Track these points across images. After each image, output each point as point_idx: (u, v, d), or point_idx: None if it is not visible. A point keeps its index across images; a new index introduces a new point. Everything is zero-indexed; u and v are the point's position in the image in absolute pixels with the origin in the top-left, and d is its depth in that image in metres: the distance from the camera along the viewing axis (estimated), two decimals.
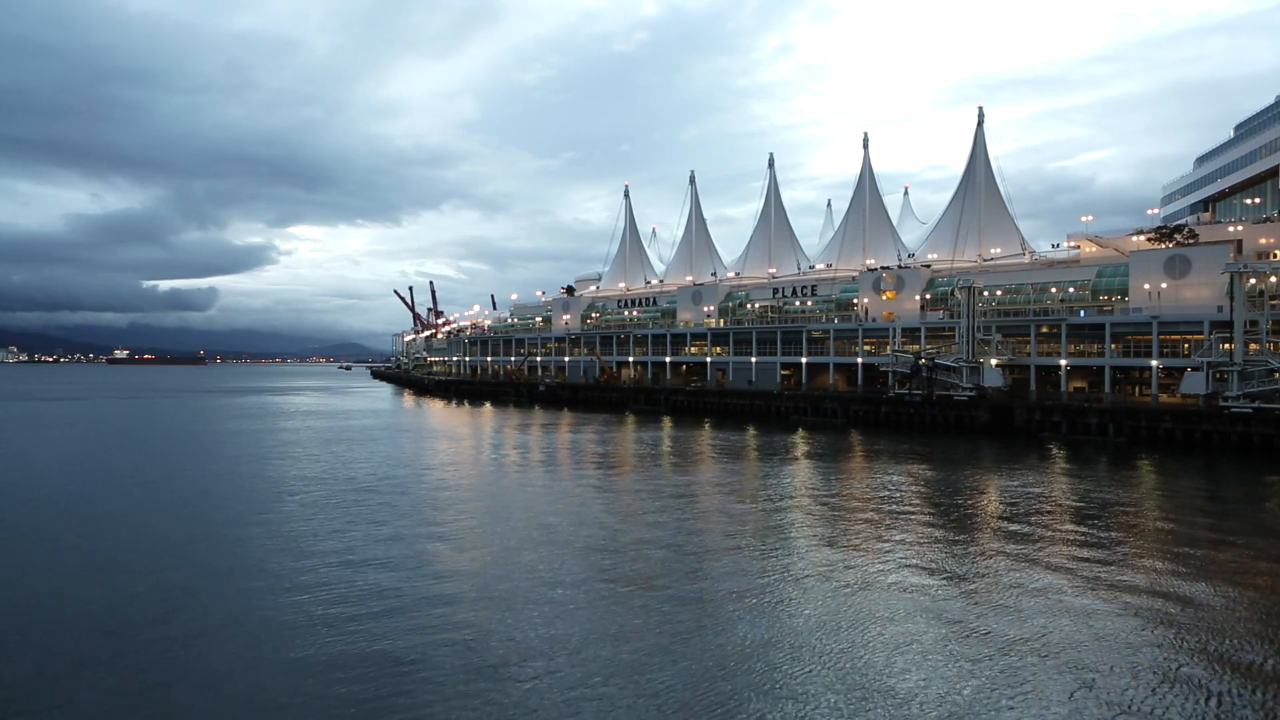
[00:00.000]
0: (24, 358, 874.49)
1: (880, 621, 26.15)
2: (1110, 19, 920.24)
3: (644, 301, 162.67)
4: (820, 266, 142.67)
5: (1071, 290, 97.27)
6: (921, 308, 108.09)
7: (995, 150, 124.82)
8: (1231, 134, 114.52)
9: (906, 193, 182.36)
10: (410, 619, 26.52)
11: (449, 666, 22.63)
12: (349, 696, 20.76)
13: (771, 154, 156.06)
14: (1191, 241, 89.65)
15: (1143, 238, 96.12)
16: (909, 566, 32.87)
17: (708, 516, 43.83)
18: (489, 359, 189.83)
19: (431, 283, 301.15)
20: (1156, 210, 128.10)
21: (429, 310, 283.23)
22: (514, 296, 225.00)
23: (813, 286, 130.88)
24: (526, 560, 34.20)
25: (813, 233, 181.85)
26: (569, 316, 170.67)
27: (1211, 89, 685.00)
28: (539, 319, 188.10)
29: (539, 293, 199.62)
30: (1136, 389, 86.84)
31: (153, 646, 24.28)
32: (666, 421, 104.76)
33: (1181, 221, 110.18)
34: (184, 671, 22.43)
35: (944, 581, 30.77)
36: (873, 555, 34.77)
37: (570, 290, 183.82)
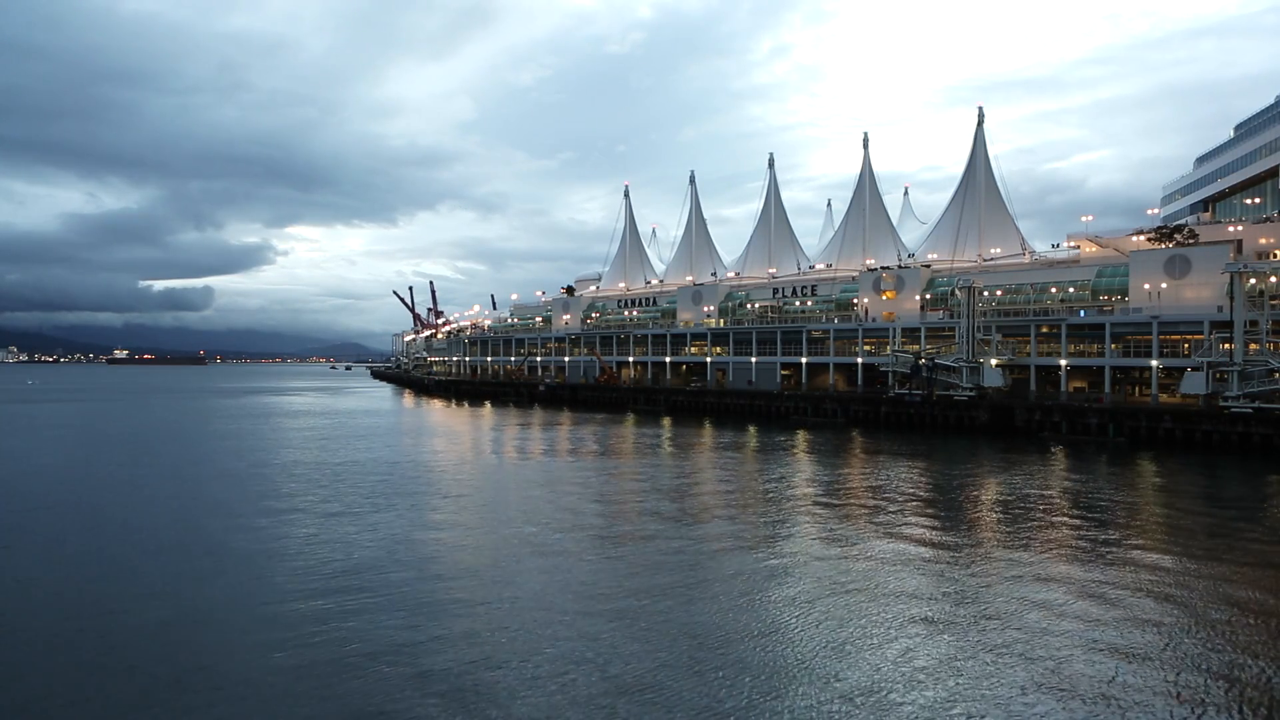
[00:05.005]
0: (24, 358, 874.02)
1: (879, 618, 26.19)
2: (1102, 21, 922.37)
3: (644, 301, 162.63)
4: (820, 266, 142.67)
5: (1071, 290, 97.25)
6: (921, 308, 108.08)
7: (990, 151, 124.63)
8: (1231, 134, 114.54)
9: (906, 193, 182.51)
10: (411, 615, 26.54)
11: (449, 663, 22.69)
12: (350, 691, 20.81)
13: (771, 154, 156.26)
14: (1191, 241, 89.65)
15: (1143, 238, 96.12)
16: (908, 566, 32.89)
17: (709, 515, 43.80)
18: (489, 359, 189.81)
19: (431, 283, 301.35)
20: (1156, 210, 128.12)
21: (429, 310, 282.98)
22: (514, 296, 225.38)
23: (813, 286, 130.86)
24: (527, 555, 34.25)
25: (809, 233, 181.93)
26: (569, 316, 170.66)
27: (1203, 91, 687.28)
28: (539, 319, 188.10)
29: (539, 293, 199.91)
30: (1136, 389, 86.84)
31: (150, 642, 24.38)
32: (666, 421, 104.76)
33: (1181, 221, 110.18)
34: (181, 668, 22.48)
35: (942, 579, 30.77)
36: (872, 553, 34.77)
37: (570, 290, 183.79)
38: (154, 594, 29.49)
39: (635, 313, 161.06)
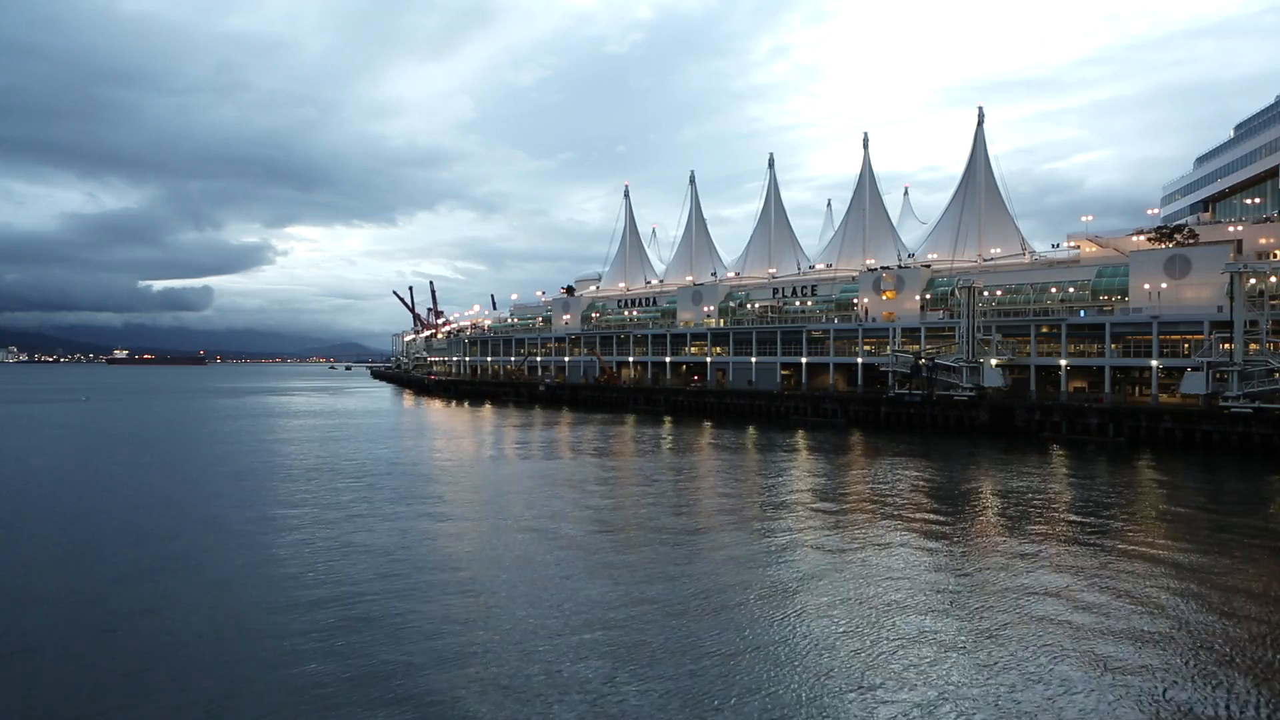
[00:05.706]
0: (24, 358, 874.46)
1: (876, 618, 26.20)
2: (1101, 21, 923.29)
3: (644, 301, 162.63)
4: (820, 266, 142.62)
5: (1071, 290, 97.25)
6: (921, 308, 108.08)
7: (990, 151, 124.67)
8: (1231, 134, 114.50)
9: (906, 193, 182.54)
10: (414, 618, 26.58)
11: (452, 671, 22.71)
12: (352, 687, 20.83)
13: (771, 154, 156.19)
14: (1191, 241, 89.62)
15: (1143, 238, 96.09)
16: (907, 565, 32.89)
17: (708, 514, 43.83)
18: (489, 359, 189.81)
19: (431, 283, 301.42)
20: (1156, 210, 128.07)
21: (429, 310, 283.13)
22: (514, 296, 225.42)
23: (813, 286, 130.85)
24: (527, 553, 34.30)
25: (809, 233, 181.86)
26: (569, 316, 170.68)
27: (1202, 91, 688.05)
28: (539, 319, 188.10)
29: (539, 293, 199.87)
30: (1136, 389, 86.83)
31: (148, 639, 24.40)
32: (667, 421, 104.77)
33: (1181, 221, 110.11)
34: (181, 670, 22.50)
35: (941, 580, 30.79)
36: (871, 554, 34.77)
37: (570, 290, 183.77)
38: (156, 597, 29.51)
39: (635, 313, 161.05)
